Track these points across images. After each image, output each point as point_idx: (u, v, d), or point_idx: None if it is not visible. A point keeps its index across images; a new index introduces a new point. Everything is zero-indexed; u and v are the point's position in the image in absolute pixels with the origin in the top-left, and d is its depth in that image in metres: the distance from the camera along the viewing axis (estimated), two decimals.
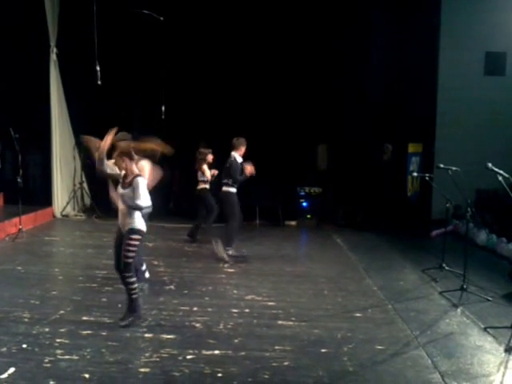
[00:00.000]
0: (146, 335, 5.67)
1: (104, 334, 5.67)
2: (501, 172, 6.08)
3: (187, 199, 12.35)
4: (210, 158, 10.37)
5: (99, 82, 9.73)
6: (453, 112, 12.67)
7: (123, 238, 5.87)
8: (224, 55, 12.33)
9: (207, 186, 10.30)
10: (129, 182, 5.83)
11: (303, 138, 13.10)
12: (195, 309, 6.57)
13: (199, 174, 10.29)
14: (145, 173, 6.31)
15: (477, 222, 10.52)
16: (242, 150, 9.39)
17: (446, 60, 12.36)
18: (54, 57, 12.34)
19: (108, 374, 4.73)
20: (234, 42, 12.27)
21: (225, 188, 9.28)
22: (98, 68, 9.76)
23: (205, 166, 10.21)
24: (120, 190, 5.92)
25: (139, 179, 5.81)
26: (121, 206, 5.91)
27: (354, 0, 12.47)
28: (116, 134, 6.18)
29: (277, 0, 12.41)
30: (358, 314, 6.60)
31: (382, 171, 12.24)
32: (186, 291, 7.31)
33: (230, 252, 9.18)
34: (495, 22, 12.49)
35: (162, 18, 11.16)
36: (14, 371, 4.69)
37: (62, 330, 5.70)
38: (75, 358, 5.02)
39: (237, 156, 9.28)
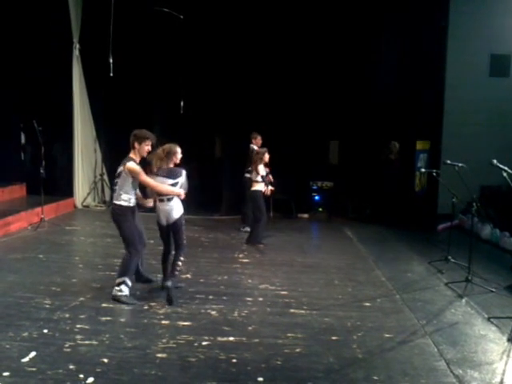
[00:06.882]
0: (163, 322, 5.77)
1: (122, 320, 5.83)
2: (505, 168, 6.16)
3: (204, 191, 12.46)
4: (266, 157, 9.70)
5: (111, 74, 9.94)
6: (459, 111, 12.77)
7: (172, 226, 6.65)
8: (241, 53, 12.44)
9: (261, 188, 9.63)
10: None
11: (316, 135, 13.27)
12: (211, 297, 6.67)
13: (253, 174, 9.68)
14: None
15: (481, 217, 10.64)
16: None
17: (453, 61, 12.45)
18: (76, 52, 12.63)
19: (126, 359, 4.84)
20: (249, 41, 12.39)
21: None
22: (110, 60, 9.97)
23: (261, 166, 9.60)
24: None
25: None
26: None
27: (366, 2, 12.59)
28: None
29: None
30: (367, 304, 6.71)
31: (390, 168, 12.37)
32: (202, 280, 7.44)
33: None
34: (500, 26, 12.67)
35: (181, 17, 11.31)
36: (36, 355, 4.80)
37: (82, 316, 5.82)
38: (94, 343, 5.14)
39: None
